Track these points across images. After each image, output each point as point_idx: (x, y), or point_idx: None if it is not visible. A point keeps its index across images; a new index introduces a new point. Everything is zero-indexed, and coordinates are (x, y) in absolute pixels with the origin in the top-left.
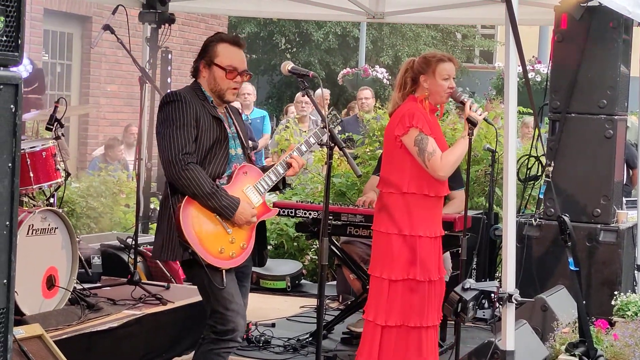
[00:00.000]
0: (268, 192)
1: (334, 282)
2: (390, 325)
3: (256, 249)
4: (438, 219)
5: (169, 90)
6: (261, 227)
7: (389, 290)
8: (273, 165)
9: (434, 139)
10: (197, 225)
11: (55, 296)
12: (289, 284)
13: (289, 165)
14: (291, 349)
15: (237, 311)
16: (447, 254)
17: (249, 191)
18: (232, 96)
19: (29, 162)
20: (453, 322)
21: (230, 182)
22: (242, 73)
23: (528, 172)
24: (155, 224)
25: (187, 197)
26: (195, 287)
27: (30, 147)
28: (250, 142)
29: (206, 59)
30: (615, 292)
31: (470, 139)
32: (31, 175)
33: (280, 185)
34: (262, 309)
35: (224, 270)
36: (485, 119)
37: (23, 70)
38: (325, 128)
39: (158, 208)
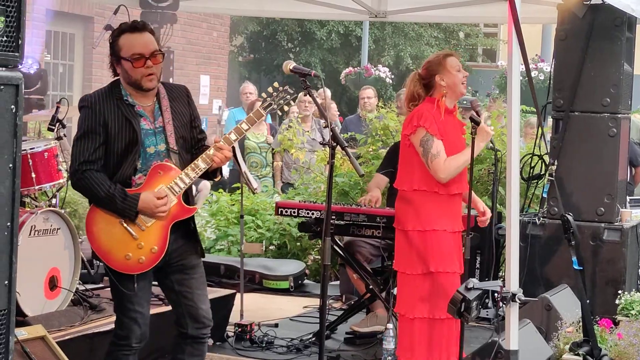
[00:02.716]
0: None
1: (337, 282)
2: (419, 317)
3: (193, 242)
4: (455, 214)
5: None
6: (187, 225)
7: (416, 284)
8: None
9: (449, 139)
10: (103, 233)
11: (57, 297)
12: (292, 284)
13: (212, 160)
14: (294, 349)
15: (135, 319)
16: None
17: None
18: (149, 83)
19: (30, 163)
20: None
21: (144, 183)
22: (152, 56)
23: (531, 171)
24: None
25: (91, 205)
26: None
27: (32, 148)
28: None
29: (114, 56)
30: (620, 291)
31: (473, 138)
32: (33, 176)
33: (210, 175)
34: (265, 309)
35: (135, 276)
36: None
37: (28, 67)
38: (328, 128)
39: None
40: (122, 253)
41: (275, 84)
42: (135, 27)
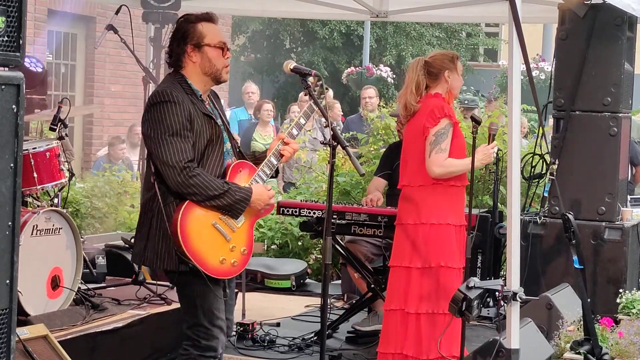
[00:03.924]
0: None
1: (339, 281)
2: (419, 312)
3: None
4: (461, 207)
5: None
6: None
7: (416, 279)
8: (264, 156)
9: (458, 133)
10: (197, 237)
11: (59, 296)
12: (293, 283)
13: (281, 155)
14: (296, 349)
15: (221, 327)
16: None
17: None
18: (226, 75)
19: (32, 163)
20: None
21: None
22: (228, 50)
23: (532, 170)
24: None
25: (183, 207)
26: None
27: (34, 148)
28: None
29: (193, 42)
30: (621, 290)
31: (474, 137)
32: (35, 175)
33: (273, 175)
34: (266, 308)
35: (226, 281)
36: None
37: (35, 65)
38: (329, 127)
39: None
40: (217, 257)
41: (310, 79)
42: (214, 18)
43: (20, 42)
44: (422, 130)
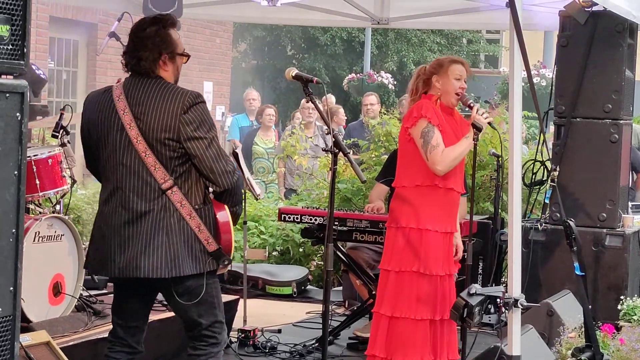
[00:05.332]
0: None
1: (340, 288)
2: (396, 316)
3: None
4: (450, 214)
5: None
6: None
7: (396, 282)
8: None
9: (446, 137)
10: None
11: (61, 303)
12: (295, 290)
13: None
14: (297, 355)
15: None
16: None
17: None
18: None
19: (35, 170)
20: (459, 328)
21: None
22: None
23: (533, 176)
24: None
25: (221, 207)
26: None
27: (36, 155)
28: None
29: (169, 51)
30: (622, 297)
31: (475, 144)
32: (37, 182)
33: None
34: (268, 314)
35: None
36: (489, 124)
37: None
38: (330, 134)
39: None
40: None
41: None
42: (177, 23)
43: (25, 50)
44: (404, 130)
